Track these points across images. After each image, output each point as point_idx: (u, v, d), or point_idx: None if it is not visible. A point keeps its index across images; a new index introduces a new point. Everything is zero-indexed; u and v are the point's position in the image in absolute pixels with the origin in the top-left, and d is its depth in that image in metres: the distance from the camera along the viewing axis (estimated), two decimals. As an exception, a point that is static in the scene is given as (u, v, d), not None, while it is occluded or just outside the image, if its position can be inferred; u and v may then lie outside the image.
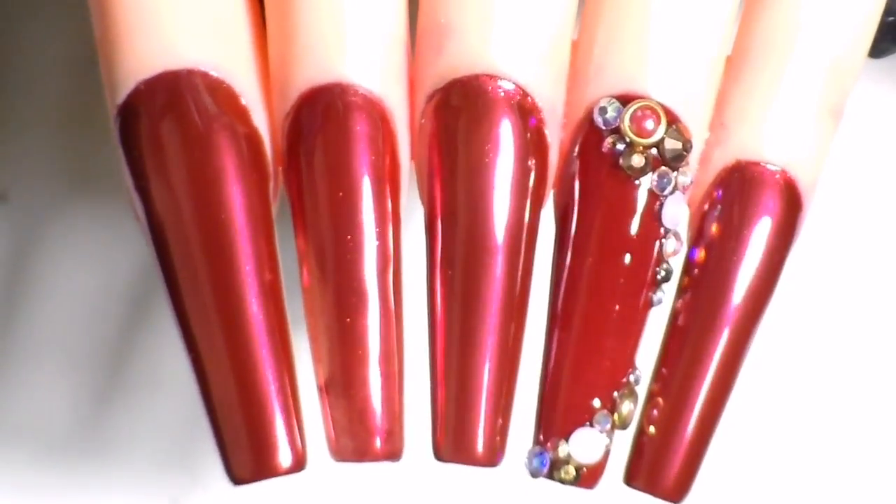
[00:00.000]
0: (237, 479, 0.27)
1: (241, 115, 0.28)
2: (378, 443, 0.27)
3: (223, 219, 0.27)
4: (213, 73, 0.27)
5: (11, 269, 0.40)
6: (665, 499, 0.29)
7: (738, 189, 0.29)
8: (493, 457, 0.27)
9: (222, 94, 0.28)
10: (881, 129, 0.41)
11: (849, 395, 0.41)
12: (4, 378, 0.40)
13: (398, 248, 0.28)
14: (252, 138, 0.28)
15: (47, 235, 0.40)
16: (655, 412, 0.29)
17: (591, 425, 0.28)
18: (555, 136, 0.28)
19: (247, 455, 0.27)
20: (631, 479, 0.29)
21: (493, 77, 0.27)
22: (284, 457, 0.27)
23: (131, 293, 0.40)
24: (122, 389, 0.40)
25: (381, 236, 0.27)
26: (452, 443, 0.27)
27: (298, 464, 0.27)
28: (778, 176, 0.29)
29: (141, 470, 0.40)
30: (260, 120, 0.28)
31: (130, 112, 0.27)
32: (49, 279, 0.40)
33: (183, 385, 0.38)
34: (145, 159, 0.27)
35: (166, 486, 0.40)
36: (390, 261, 0.27)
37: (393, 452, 0.27)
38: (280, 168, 0.28)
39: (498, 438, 0.27)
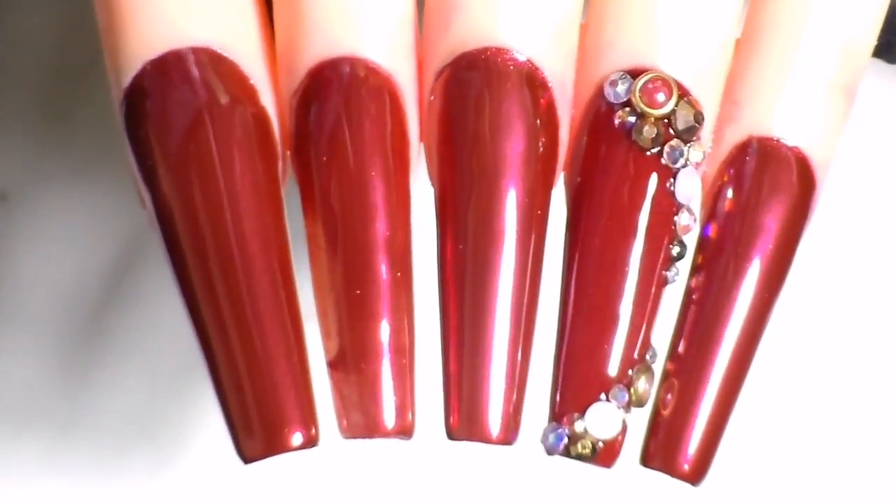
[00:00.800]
0: (248, 456, 0.26)
1: (249, 94, 0.28)
2: (389, 418, 0.26)
3: (231, 199, 0.27)
4: (220, 52, 0.27)
5: (11, 268, 0.40)
6: (683, 479, 0.28)
7: (751, 166, 0.29)
8: (507, 435, 0.27)
9: (229, 74, 0.27)
10: (886, 129, 0.41)
11: (856, 387, 0.41)
12: (6, 379, 0.40)
13: (407, 223, 0.27)
14: (260, 118, 0.28)
15: (47, 235, 0.40)
16: (671, 392, 0.28)
17: (608, 400, 0.27)
18: (565, 113, 0.28)
19: (257, 432, 0.26)
20: (648, 459, 0.28)
21: (502, 50, 0.27)
22: (297, 433, 0.26)
23: (132, 293, 0.40)
24: (123, 389, 0.40)
25: (390, 212, 0.27)
26: (466, 421, 0.27)
27: (310, 440, 0.26)
28: (791, 152, 0.29)
29: (117, 446, 0.39)
30: (267, 100, 0.28)
31: (136, 94, 0.27)
32: (49, 279, 0.40)
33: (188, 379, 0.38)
34: (152, 141, 0.27)
35: (140, 461, 0.39)
36: (400, 236, 0.27)
37: (404, 429, 0.27)
38: (288, 150, 0.28)
39: (512, 416, 0.27)
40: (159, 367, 0.40)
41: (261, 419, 0.26)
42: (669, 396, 0.28)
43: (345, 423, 0.27)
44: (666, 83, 0.27)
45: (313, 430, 0.26)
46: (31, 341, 0.40)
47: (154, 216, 0.27)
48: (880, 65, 0.36)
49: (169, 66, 0.27)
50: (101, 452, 0.40)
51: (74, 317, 0.40)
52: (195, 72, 0.27)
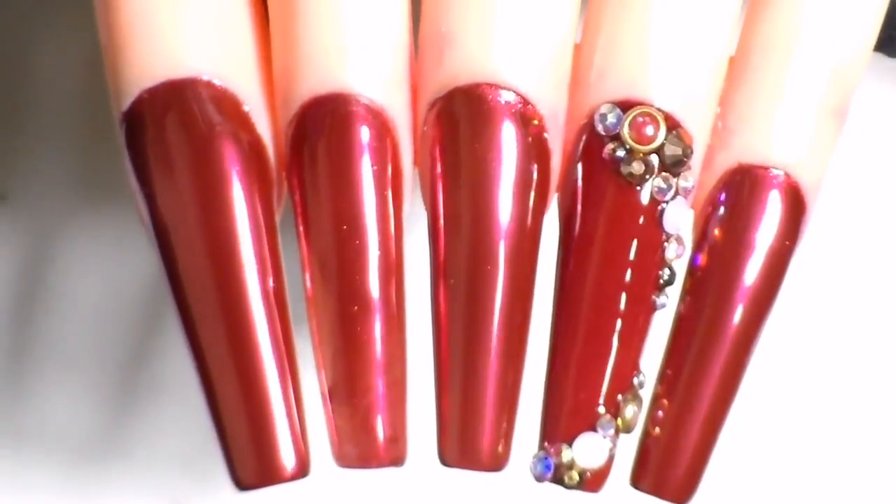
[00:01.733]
0: (242, 485, 0.27)
1: (245, 122, 0.28)
2: (382, 450, 0.27)
3: (227, 225, 0.27)
4: (216, 82, 0.28)
5: (11, 268, 0.40)
6: (671, 500, 0.29)
7: (740, 192, 0.29)
8: (497, 462, 0.28)
9: (225, 102, 0.28)
10: (883, 128, 0.41)
11: (853, 396, 0.41)
12: (7, 379, 0.40)
13: (401, 255, 0.28)
14: (255, 145, 0.28)
15: (47, 235, 0.40)
16: (661, 414, 0.29)
17: (595, 430, 0.28)
18: (556, 142, 0.28)
19: (251, 461, 0.27)
20: (637, 481, 0.29)
21: (493, 86, 0.28)
22: (288, 463, 0.27)
23: (132, 294, 0.40)
24: (123, 390, 0.40)
25: (384, 244, 0.27)
26: (458, 448, 0.28)
27: (302, 470, 0.27)
28: (781, 179, 0.29)
29: (145, 473, 0.40)
30: (263, 127, 0.28)
31: (134, 120, 0.28)
32: (49, 279, 0.40)
33: (186, 387, 0.39)
34: (150, 166, 0.27)
35: (170, 489, 0.40)
36: (393, 268, 0.28)
37: (396, 459, 0.27)
38: (284, 175, 0.29)
39: (502, 443, 0.28)
40: (160, 367, 0.40)
41: (254, 449, 0.27)
42: (658, 419, 0.29)
43: (339, 452, 0.28)
44: (654, 118, 0.28)
45: (305, 461, 0.27)
46: (31, 341, 0.40)
47: (152, 237, 0.28)
48: (880, 64, 0.36)
49: (166, 95, 0.28)
50: (114, 473, 0.40)
51: (75, 317, 0.40)
52: (191, 101, 0.28)
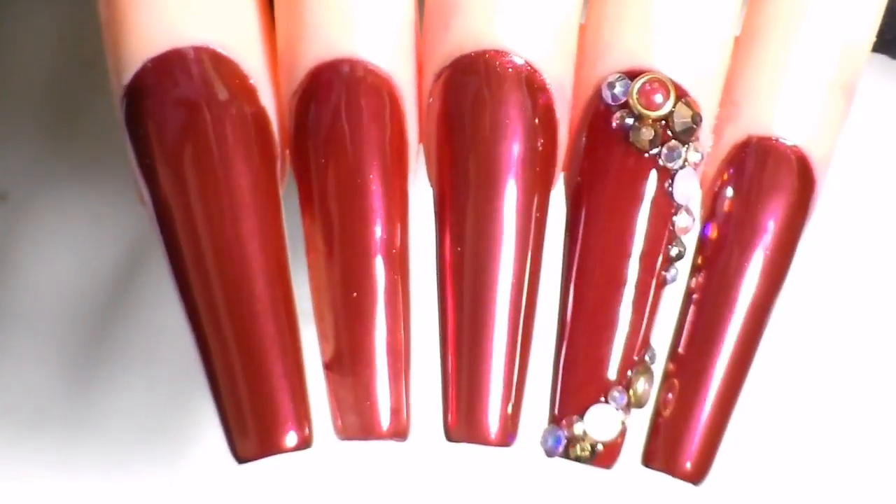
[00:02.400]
0: (241, 456, 0.27)
1: (249, 94, 0.28)
2: (384, 420, 0.27)
3: (229, 198, 0.27)
4: (221, 52, 0.28)
5: (11, 269, 0.40)
6: (684, 480, 0.28)
7: (750, 165, 0.29)
8: (505, 437, 0.27)
9: (229, 73, 0.28)
10: (886, 127, 0.41)
11: (866, 381, 0.40)
12: (8, 378, 0.40)
13: (405, 225, 0.27)
14: (259, 118, 0.28)
15: (47, 235, 0.40)
16: (672, 391, 0.28)
17: (606, 402, 0.27)
18: (564, 115, 0.28)
19: (252, 432, 0.26)
20: (649, 460, 0.28)
21: (500, 52, 0.27)
22: (290, 434, 0.26)
23: (132, 293, 0.40)
24: (121, 387, 0.40)
25: (388, 214, 0.27)
26: (464, 423, 0.27)
27: (304, 442, 0.26)
28: (790, 151, 0.29)
29: (128, 444, 0.40)
30: (267, 100, 0.28)
31: (137, 91, 0.27)
32: (49, 279, 0.40)
33: (178, 361, 0.38)
34: (152, 138, 0.27)
35: (159, 456, 0.40)
36: (397, 238, 0.27)
37: (399, 431, 0.27)
38: (287, 150, 0.28)
39: (511, 418, 0.27)
40: (160, 368, 0.40)
41: (255, 420, 0.26)
42: (670, 396, 0.28)
43: (340, 424, 0.27)
44: (663, 84, 0.27)
45: (307, 432, 0.27)
46: (30, 342, 0.40)
47: (152, 213, 0.27)
48: (881, 63, 0.36)
49: (169, 65, 0.27)
50: (102, 454, 0.40)
51: (75, 317, 0.40)
52: (195, 70, 0.27)
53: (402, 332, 0.27)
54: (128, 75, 0.28)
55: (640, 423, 0.29)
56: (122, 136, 0.28)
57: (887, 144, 0.41)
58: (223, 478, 0.39)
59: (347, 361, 0.27)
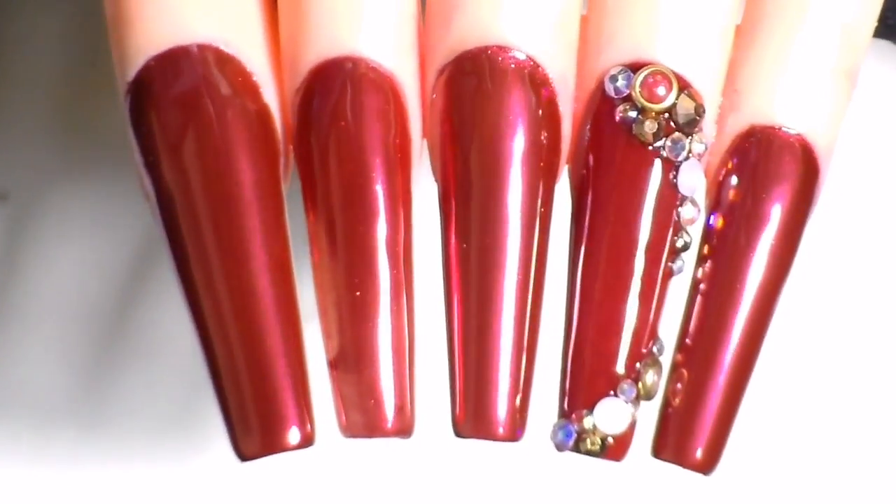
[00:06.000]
0: (244, 454, 0.27)
1: (252, 91, 0.28)
2: (389, 418, 0.27)
3: (233, 194, 0.27)
4: (224, 49, 0.28)
5: (11, 268, 0.40)
6: (694, 470, 0.28)
7: (754, 154, 0.29)
8: (514, 432, 0.27)
9: (233, 70, 0.28)
10: (887, 120, 0.41)
11: (870, 372, 0.40)
12: (5, 373, 0.40)
13: (409, 222, 0.27)
14: (262, 114, 0.28)
15: (47, 235, 0.40)
16: (680, 383, 0.28)
17: (616, 395, 0.27)
18: (567, 108, 0.28)
19: (254, 430, 0.26)
20: (659, 451, 0.28)
21: (503, 48, 0.27)
22: (293, 432, 0.26)
23: (132, 292, 0.40)
24: (120, 386, 0.40)
25: (392, 211, 0.27)
26: (472, 418, 0.27)
27: (307, 439, 0.27)
28: (794, 139, 0.29)
29: (140, 437, 0.40)
30: (270, 96, 0.28)
31: (140, 88, 0.27)
32: (49, 279, 0.40)
33: (165, 355, 0.39)
34: (155, 135, 0.27)
35: (164, 453, 0.40)
36: (401, 235, 0.27)
37: (403, 429, 0.27)
38: (291, 146, 0.28)
39: (519, 413, 0.27)
40: (164, 367, 0.40)
41: (258, 418, 0.26)
42: (679, 387, 0.28)
43: (344, 422, 0.27)
44: (666, 77, 0.27)
45: (309, 430, 0.27)
46: (31, 341, 0.40)
47: (156, 209, 0.28)
48: (883, 48, 0.36)
49: (173, 62, 0.27)
50: (107, 452, 0.40)
51: (77, 317, 0.40)
52: (198, 68, 0.27)
53: (407, 329, 0.27)
54: (132, 72, 0.28)
55: (649, 414, 0.29)
56: (126, 131, 0.28)
57: (889, 131, 0.41)
58: (228, 475, 0.40)
59: (351, 359, 0.27)
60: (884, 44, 0.37)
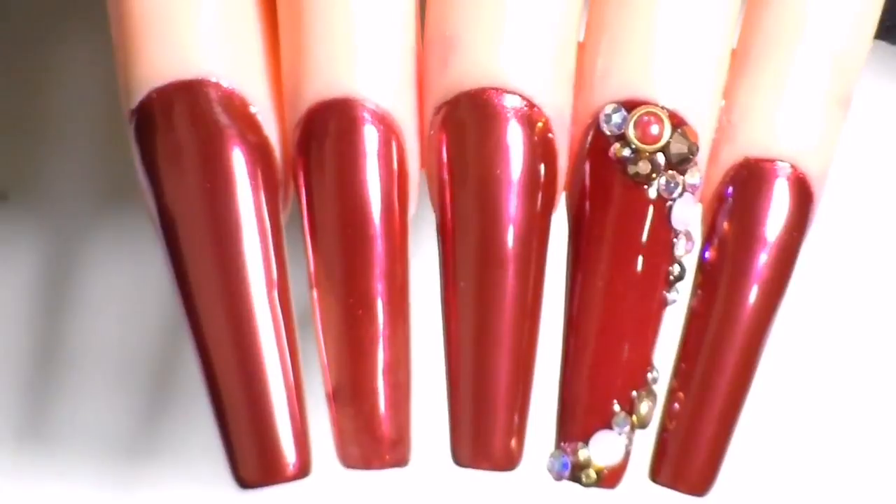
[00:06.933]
0: (243, 483, 0.28)
1: (252, 124, 0.28)
2: (385, 451, 0.28)
3: (233, 226, 0.27)
4: (225, 83, 0.28)
5: (11, 269, 0.40)
6: (690, 493, 0.29)
7: (747, 186, 0.29)
8: (510, 461, 0.28)
9: (234, 104, 0.28)
10: (886, 128, 0.41)
11: (867, 385, 0.41)
12: (8, 377, 0.41)
13: (405, 258, 0.28)
14: (262, 147, 0.28)
15: (47, 235, 0.40)
16: (677, 407, 0.29)
17: (611, 428, 0.28)
18: (563, 142, 0.29)
19: (253, 460, 0.27)
20: (655, 475, 0.29)
21: (498, 90, 0.28)
22: (289, 463, 0.27)
23: (132, 291, 0.40)
24: (134, 386, 0.41)
25: (389, 248, 0.28)
26: (470, 448, 0.28)
27: (303, 470, 0.28)
28: (787, 171, 0.29)
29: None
30: (271, 129, 0.29)
31: (143, 117, 0.28)
32: (49, 278, 0.40)
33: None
34: (158, 165, 0.28)
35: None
36: (398, 271, 0.28)
37: (399, 460, 0.28)
38: (290, 177, 0.29)
39: (515, 443, 0.28)
40: (161, 367, 0.40)
41: (256, 449, 0.27)
42: (675, 412, 0.29)
43: (342, 454, 0.28)
44: (659, 117, 0.28)
45: (306, 461, 0.28)
46: (31, 341, 0.40)
47: (159, 234, 0.28)
48: (879, 61, 0.36)
49: (175, 95, 0.28)
50: (91, 458, 0.41)
51: (75, 317, 0.40)
52: (200, 101, 0.28)
53: (403, 363, 0.28)
54: (134, 102, 0.28)
55: (646, 437, 0.29)
56: (130, 147, 0.29)
57: (888, 132, 0.41)
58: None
59: (349, 393, 0.28)
60: (878, 44, 0.37)
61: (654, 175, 0.28)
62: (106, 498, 0.40)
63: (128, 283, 0.40)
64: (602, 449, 0.28)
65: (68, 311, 0.41)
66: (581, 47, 0.29)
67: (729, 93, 0.29)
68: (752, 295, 0.29)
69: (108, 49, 0.29)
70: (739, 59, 0.29)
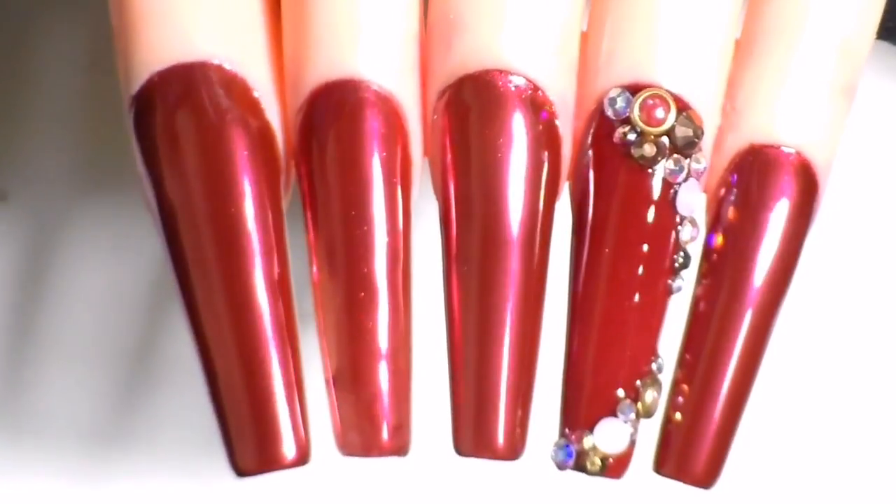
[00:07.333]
0: (241, 470, 0.27)
1: (254, 108, 0.28)
2: (385, 438, 0.27)
3: (233, 211, 0.27)
4: (227, 66, 0.28)
5: (11, 268, 0.40)
6: (695, 485, 0.29)
7: (753, 173, 0.29)
8: (513, 450, 0.27)
9: (235, 88, 0.28)
10: (886, 128, 0.41)
11: (870, 380, 0.41)
12: (9, 376, 0.40)
13: (408, 243, 0.28)
14: (264, 132, 0.28)
15: (47, 235, 0.40)
16: (681, 399, 0.29)
17: (616, 415, 0.28)
18: (567, 128, 0.28)
19: (251, 447, 0.27)
20: (660, 466, 0.29)
21: (503, 72, 0.28)
22: (288, 450, 0.27)
23: (132, 291, 0.40)
24: (126, 382, 0.40)
25: (392, 232, 0.27)
26: (472, 437, 0.27)
27: (302, 457, 0.27)
28: (793, 157, 0.29)
29: (167, 457, 0.40)
30: (273, 114, 0.28)
31: (144, 103, 0.28)
32: (49, 278, 0.40)
33: (187, 377, 0.39)
34: (158, 150, 0.27)
35: (192, 473, 0.40)
36: (400, 256, 0.27)
37: (400, 447, 0.27)
38: (292, 162, 0.28)
39: (518, 431, 0.27)
40: (161, 367, 0.40)
41: (253, 434, 0.27)
42: (679, 403, 0.29)
43: (342, 441, 0.27)
44: (664, 100, 0.28)
45: (305, 448, 0.27)
46: (30, 341, 0.40)
47: (158, 222, 0.28)
48: (881, 64, 0.36)
49: (176, 78, 0.28)
50: (81, 453, 0.40)
51: (75, 316, 0.40)
52: (201, 85, 0.28)
53: (404, 349, 0.27)
54: (135, 85, 0.28)
55: (650, 430, 0.29)
56: (129, 141, 0.28)
57: (888, 132, 0.41)
58: (249, 496, 0.40)
59: (349, 380, 0.27)
60: (880, 44, 0.37)
61: (659, 158, 0.28)
62: (83, 492, 0.40)
63: (119, 278, 0.40)
64: (607, 436, 0.28)
65: (52, 304, 0.40)
66: (584, 37, 0.29)
67: (733, 81, 0.29)
68: (758, 283, 0.29)
69: (109, 49, 0.29)
70: (744, 48, 0.29)
